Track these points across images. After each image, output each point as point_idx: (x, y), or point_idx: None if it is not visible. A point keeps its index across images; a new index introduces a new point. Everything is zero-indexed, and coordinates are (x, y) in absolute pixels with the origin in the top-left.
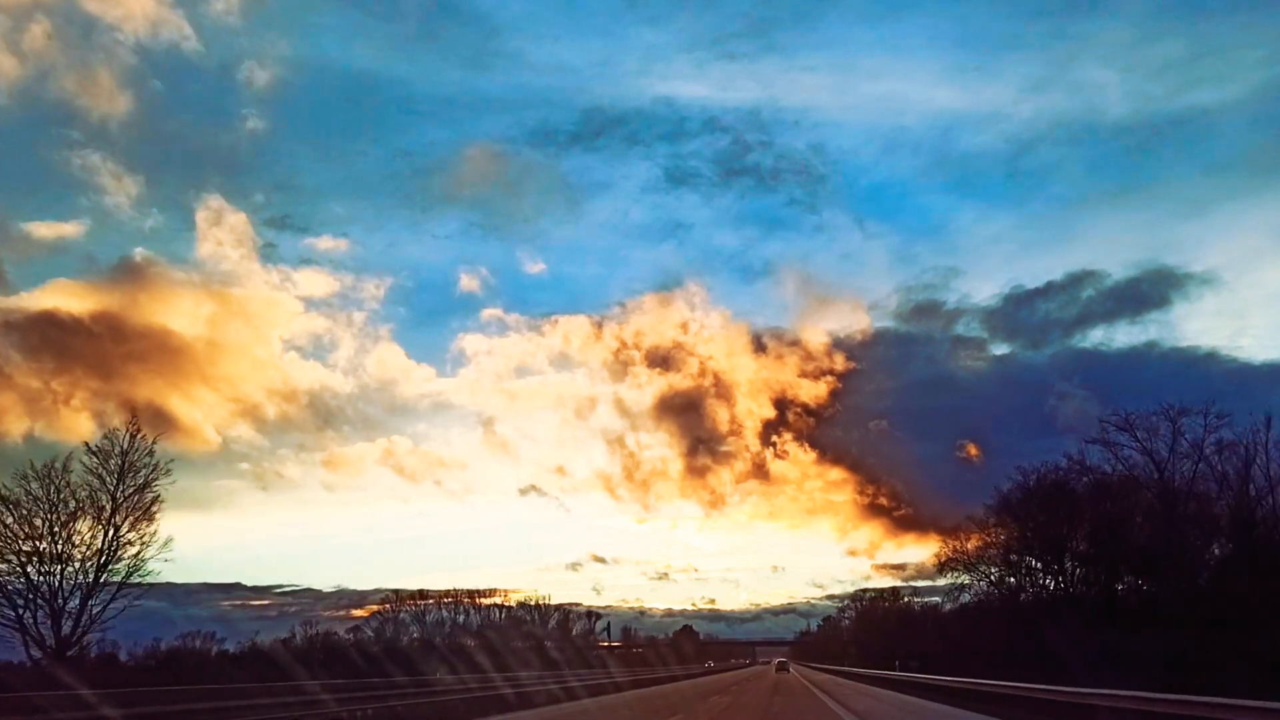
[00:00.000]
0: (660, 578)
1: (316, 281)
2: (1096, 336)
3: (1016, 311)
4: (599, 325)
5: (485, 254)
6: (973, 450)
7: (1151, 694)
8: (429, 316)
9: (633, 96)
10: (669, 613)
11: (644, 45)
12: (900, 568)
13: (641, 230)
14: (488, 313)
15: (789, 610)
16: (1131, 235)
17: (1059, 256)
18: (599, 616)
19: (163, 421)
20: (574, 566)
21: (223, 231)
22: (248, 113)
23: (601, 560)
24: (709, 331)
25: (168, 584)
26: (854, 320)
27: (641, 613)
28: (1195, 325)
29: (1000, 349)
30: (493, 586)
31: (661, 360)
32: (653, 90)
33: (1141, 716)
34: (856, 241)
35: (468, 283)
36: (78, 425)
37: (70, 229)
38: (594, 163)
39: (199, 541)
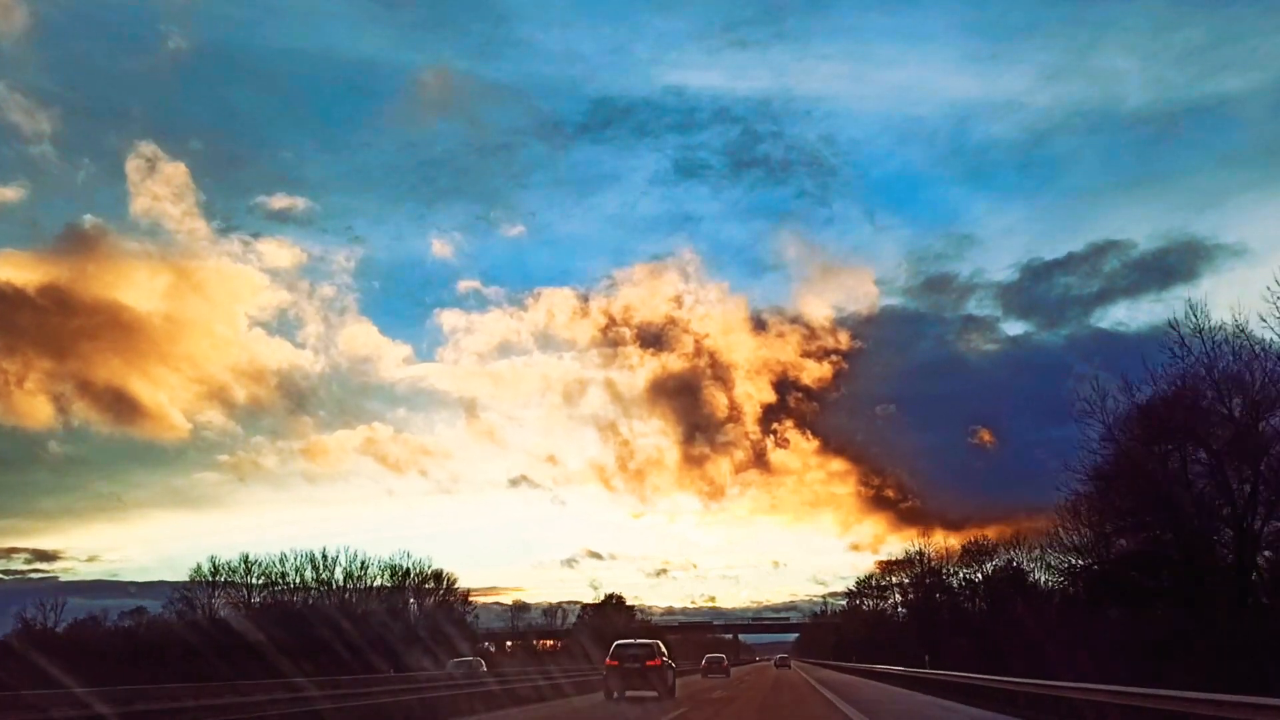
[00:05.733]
0: (658, 574)
1: (280, 253)
2: (1118, 314)
3: (1033, 286)
4: (585, 299)
5: (460, 219)
6: (985, 437)
7: None
8: (402, 289)
9: (642, 86)
10: (669, 611)
11: (655, 32)
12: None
13: (649, 223)
14: (464, 284)
15: (790, 608)
16: (1149, 226)
17: (1076, 245)
18: (467, 598)
19: (123, 405)
20: (570, 563)
21: (158, 185)
22: (167, 30)
23: (598, 556)
24: (704, 307)
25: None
26: (860, 293)
27: (640, 610)
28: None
29: (1014, 328)
30: (492, 585)
31: (654, 339)
32: (663, 79)
33: None
34: (867, 234)
35: (440, 249)
36: (34, 409)
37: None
38: (602, 154)
39: (176, 541)
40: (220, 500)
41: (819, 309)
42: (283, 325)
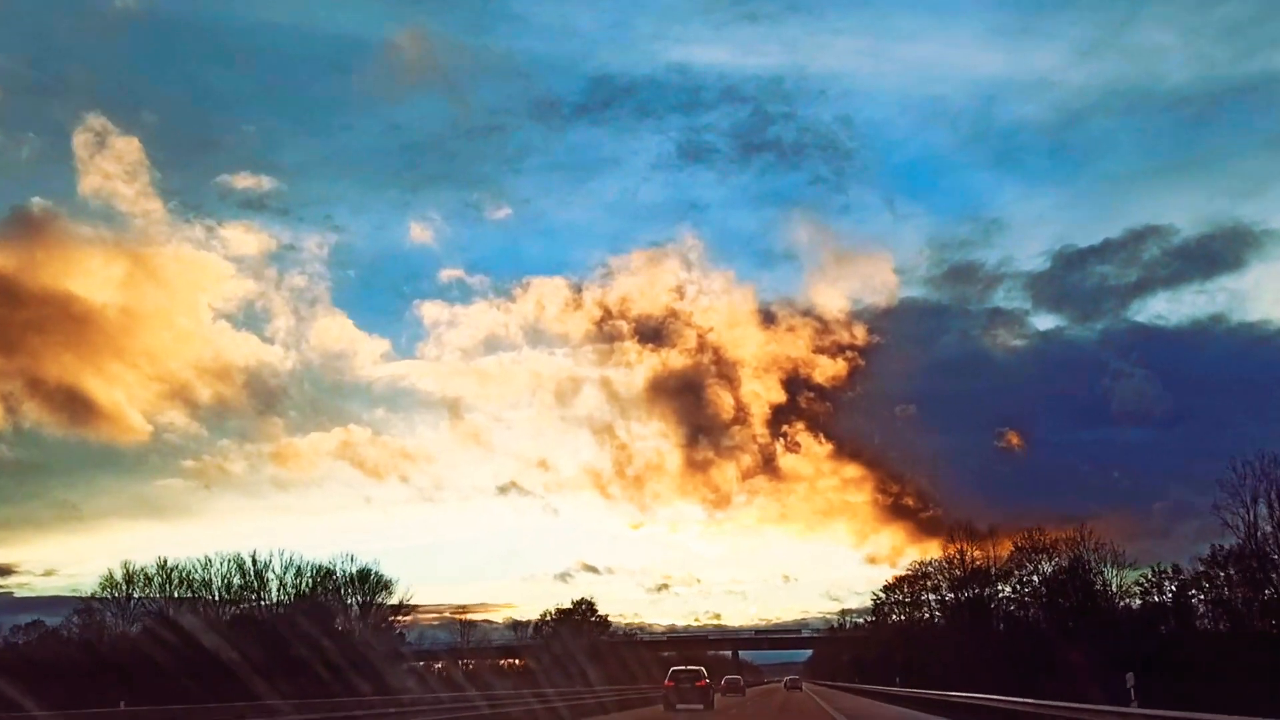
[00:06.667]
0: (659, 589)
1: (246, 239)
2: (1157, 307)
3: (1066, 275)
4: (578, 290)
5: (448, 207)
6: (1013, 441)
7: None
8: (379, 279)
9: (644, 63)
10: (671, 629)
11: (658, 6)
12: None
13: (650, 211)
14: (447, 273)
15: (802, 626)
16: (1192, 211)
17: (1113, 231)
18: (402, 608)
19: (77, 405)
20: (564, 577)
21: (108, 161)
22: None
23: (594, 570)
24: (708, 298)
25: None
26: (878, 283)
27: (640, 629)
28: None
29: (1045, 322)
30: (481, 601)
31: (653, 333)
32: (666, 56)
33: None
34: (886, 223)
35: (420, 234)
36: None
37: None
38: (601, 136)
39: (139, 554)
40: (186, 509)
41: (833, 300)
42: (249, 318)
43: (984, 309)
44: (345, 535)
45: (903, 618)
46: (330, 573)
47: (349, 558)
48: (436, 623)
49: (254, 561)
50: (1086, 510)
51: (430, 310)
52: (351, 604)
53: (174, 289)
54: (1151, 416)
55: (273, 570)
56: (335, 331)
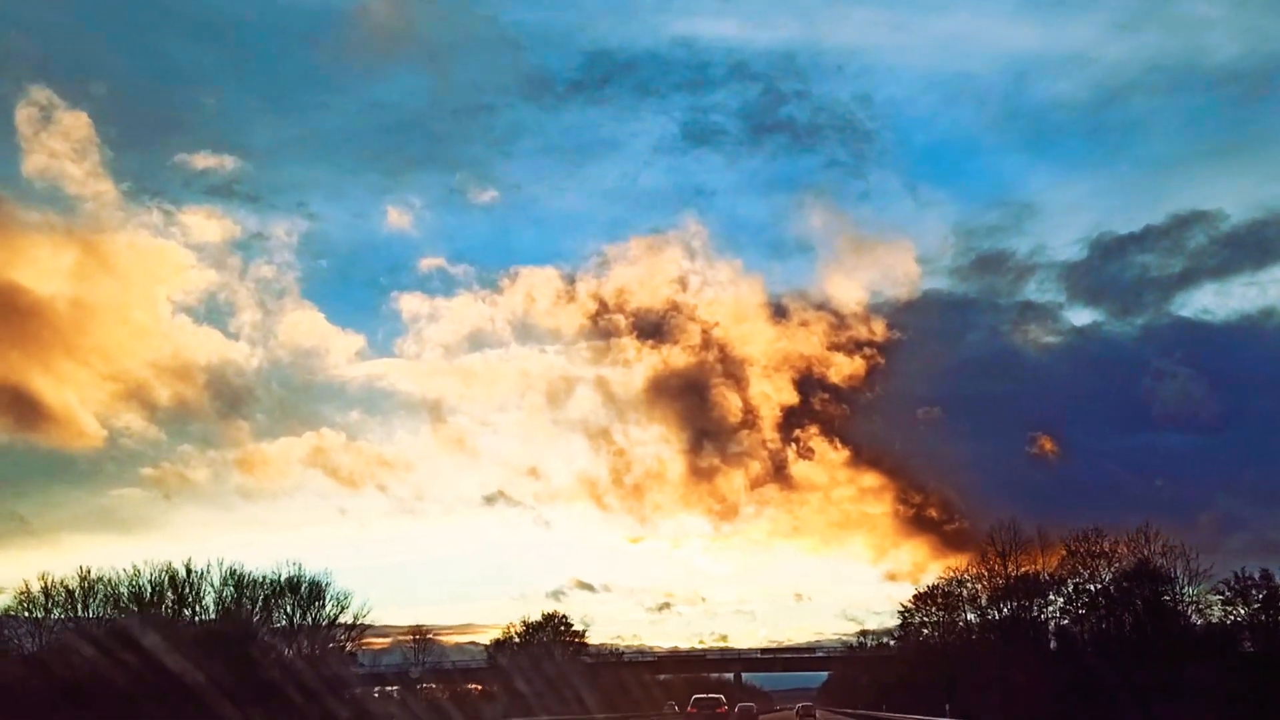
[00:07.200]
0: (660, 609)
1: (208, 225)
2: (1203, 299)
3: (1103, 265)
4: (571, 281)
5: (433, 193)
6: (1047, 446)
7: None
8: (354, 269)
9: (646, 37)
10: (674, 651)
11: None
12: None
13: (652, 198)
14: (427, 263)
15: (816, 646)
16: (1241, 195)
17: (1155, 216)
18: (356, 628)
19: (23, 407)
20: (556, 595)
21: (54, 139)
22: None
23: (589, 588)
24: (713, 290)
25: None
26: (899, 274)
27: (640, 652)
28: None
29: (1080, 316)
30: (466, 622)
31: (653, 328)
32: (670, 29)
33: None
34: (908, 210)
35: (398, 219)
36: None
37: None
38: (598, 117)
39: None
40: (146, 521)
41: (850, 293)
42: (212, 311)
43: (1014, 302)
44: (317, 550)
45: (936, 634)
46: (259, 583)
47: (297, 565)
48: (415, 645)
49: (188, 571)
50: (1126, 524)
51: (409, 303)
52: (279, 617)
53: (129, 280)
54: (1198, 420)
55: (210, 582)
56: (306, 326)
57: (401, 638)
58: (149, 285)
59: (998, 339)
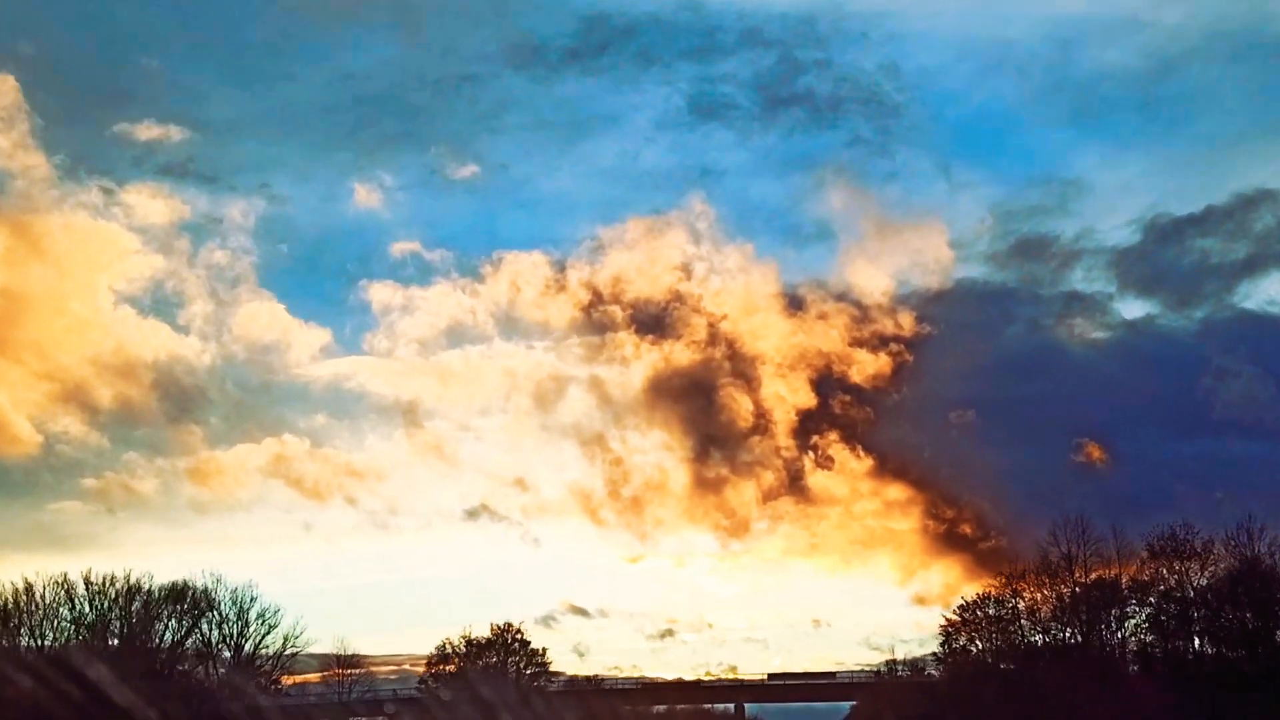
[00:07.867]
0: (663, 636)
1: (153, 205)
2: (1270, 289)
3: (1159, 251)
4: (561, 268)
5: (413, 174)
6: (1093, 454)
7: None
8: (318, 254)
9: None
10: (678, 683)
11: None
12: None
13: (655, 178)
14: (400, 247)
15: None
16: None
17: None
18: (283, 657)
19: None
20: (546, 621)
21: None
22: None
23: (583, 613)
24: (721, 277)
25: None
26: (929, 260)
27: (640, 683)
28: None
29: (1133, 309)
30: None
31: (653, 321)
32: None
33: None
34: (941, 192)
35: (366, 198)
36: None
37: None
38: (595, 89)
39: None
40: (90, 539)
41: (875, 282)
42: (159, 302)
43: (1058, 292)
44: (279, 570)
45: (990, 653)
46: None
47: (216, 578)
48: (394, 676)
49: (87, 586)
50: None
51: (380, 293)
52: (165, 634)
53: (65, 266)
54: (1263, 424)
55: (113, 599)
56: (264, 319)
57: (375, 668)
58: (88, 272)
59: (1039, 334)
